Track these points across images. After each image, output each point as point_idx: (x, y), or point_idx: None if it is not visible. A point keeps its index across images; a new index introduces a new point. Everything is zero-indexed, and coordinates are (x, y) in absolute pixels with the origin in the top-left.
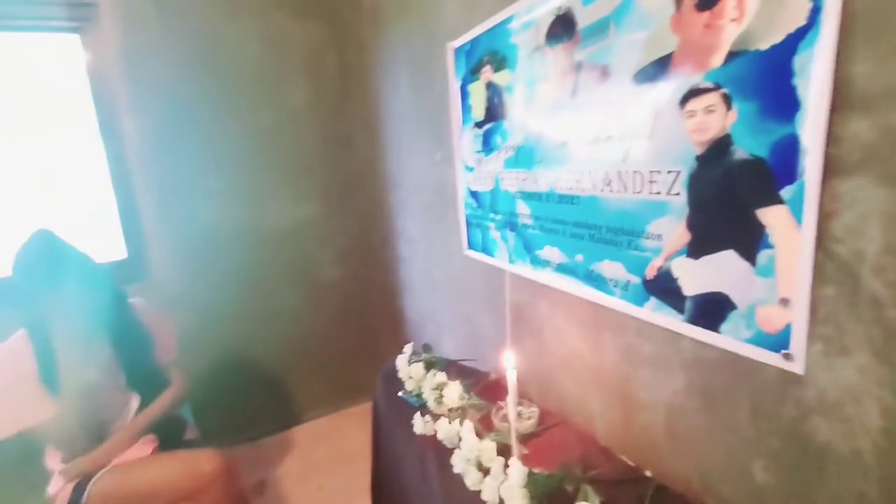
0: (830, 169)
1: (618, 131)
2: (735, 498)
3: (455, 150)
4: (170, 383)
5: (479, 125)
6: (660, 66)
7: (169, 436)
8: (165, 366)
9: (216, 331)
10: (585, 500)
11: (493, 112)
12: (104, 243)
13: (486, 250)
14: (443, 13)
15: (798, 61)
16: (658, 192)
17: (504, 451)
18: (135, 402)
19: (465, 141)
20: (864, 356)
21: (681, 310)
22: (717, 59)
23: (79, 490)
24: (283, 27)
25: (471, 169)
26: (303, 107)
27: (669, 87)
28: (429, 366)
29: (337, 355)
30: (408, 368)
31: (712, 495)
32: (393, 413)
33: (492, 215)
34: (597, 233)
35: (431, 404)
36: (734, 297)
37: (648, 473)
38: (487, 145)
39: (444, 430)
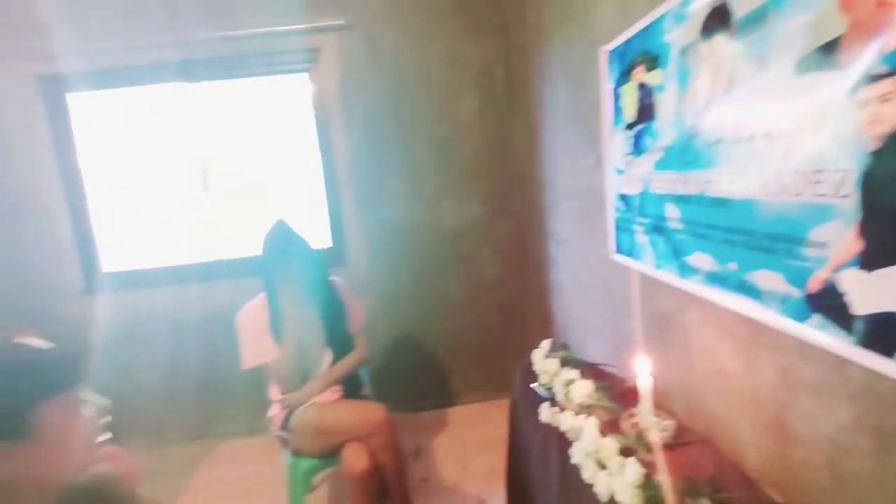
0: None
1: (777, 127)
2: None
3: (605, 153)
4: (356, 348)
5: (629, 127)
6: (826, 53)
7: (350, 389)
8: (354, 333)
9: (393, 312)
10: None
11: (644, 113)
12: (317, 234)
13: (632, 255)
14: (598, 18)
15: None
16: (822, 194)
17: (625, 453)
18: (328, 357)
19: (616, 143)
20: None
21: (849, 331)
22: (895, 41)
23: (288, 416)
24: (460, 47)
25: (621, 171)
26: (472, 117)
27: (837, 76)
28: (564, 363)
29: (492, 348)
30: (543, 362)
31: None
32: (525, 403)
33: (639, 219)
34: (751, 239)
35: (561, 398)
36: None
37: None
38: (638, 147)
39: (568, 421)
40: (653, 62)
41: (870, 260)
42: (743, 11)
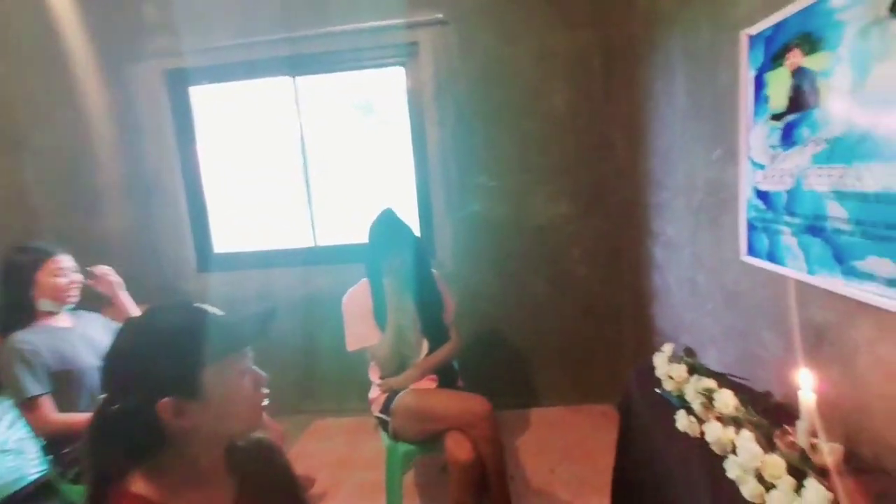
0: None
1: None
2: None
3: (741, 147)
4: (450, 339)
5: (777, 117)
6: None
7: (445, 379)
8: (448, 325)
9: (477, 307)
10: None
11: (800, 101)
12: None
13: (773, 258)
14: (734, 1)
15: None
16: None
17: (791, 473)
18: (426, 346)
19: (756, 136)
20: None
21: None
22: None
23: (389, 399)
24: (552, 41)
25: (761, 166)
26: (563, 112)
27: None
28: (691, 370)
29: (578, 352)
30: (667, 368)
31: None
32: (649, 409)
33: (787, 218)
34: None
35: (697, 407)
36: None
37: None
38: (788, 139)
39: (715, 433)
40: (816, 45)
41: None
42: None
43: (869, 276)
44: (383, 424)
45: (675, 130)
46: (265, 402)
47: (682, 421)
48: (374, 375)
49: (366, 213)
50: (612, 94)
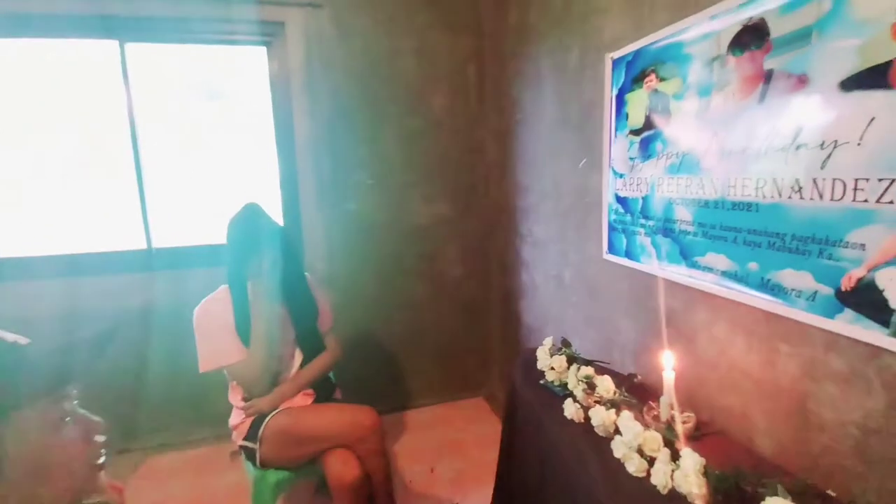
0: None
1: (814, 139)
2: None
3: (604, 157)
4: (327, 348)
5: (635, 132)
6: (876, 75)
7: (323, 392)
8: (324, 332)
9: (352, 310)
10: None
11: (655, 120)
12: None
13: (630, 255)
14: (602, 26)
15: None
16: (864, 200)
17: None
18: (299, 358)
19: (617, 148)
20: None
21: (885, 323)
22: None
23: (256, 424)
24: (432, 41)
25: (621, 175)
26: (443, 114)
27: (886, 96)
28: (570, 360)
29: (451, 350)
30: (549, 360)
31: None
32: (535, 400)
33: (642, 221)
34: (778, 241)
35: (579, 395)
36: None
37: (832, 493)
38: (645, 152)
39: (600, 416)
40: (669, 72)
41: None
42: (781, 31)
43: (708, 269)
44: (248, 453)
45: (543, 139)
46: (101, 459)
47: (570, 409)
48: (234, 397)
49: (215, 210)
50: (485, 102)
